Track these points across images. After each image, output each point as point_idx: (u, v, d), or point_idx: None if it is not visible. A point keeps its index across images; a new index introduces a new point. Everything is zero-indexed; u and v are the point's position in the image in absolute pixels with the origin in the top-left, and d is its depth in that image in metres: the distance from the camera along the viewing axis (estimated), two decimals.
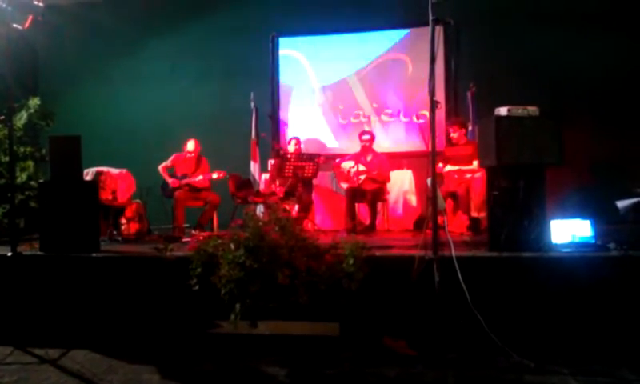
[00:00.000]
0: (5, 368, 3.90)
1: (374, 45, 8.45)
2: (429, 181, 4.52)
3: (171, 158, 7.04)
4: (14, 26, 5.10)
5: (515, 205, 4.27)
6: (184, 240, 5.85)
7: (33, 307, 4.58)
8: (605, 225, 4.91)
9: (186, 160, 7.01)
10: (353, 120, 8.48)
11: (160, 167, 6.98)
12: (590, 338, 3.84)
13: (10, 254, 4.68)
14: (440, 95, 7.45)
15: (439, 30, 4.15)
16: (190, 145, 6.99)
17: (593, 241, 4.46)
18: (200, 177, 6.81)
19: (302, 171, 6.69)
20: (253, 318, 3.98)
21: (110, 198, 6.57)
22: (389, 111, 8.38)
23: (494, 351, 3.71)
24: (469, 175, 6.32)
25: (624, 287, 3.92)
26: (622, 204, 4.84)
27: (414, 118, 8.17)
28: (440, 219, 4.22)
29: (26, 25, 5.16)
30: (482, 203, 5.72)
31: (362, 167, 6.93)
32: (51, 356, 4.09)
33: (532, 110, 4.38)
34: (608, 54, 7.37)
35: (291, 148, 7.39)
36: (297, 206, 6.58)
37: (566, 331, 3.89)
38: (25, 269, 4.69)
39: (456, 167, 6.44)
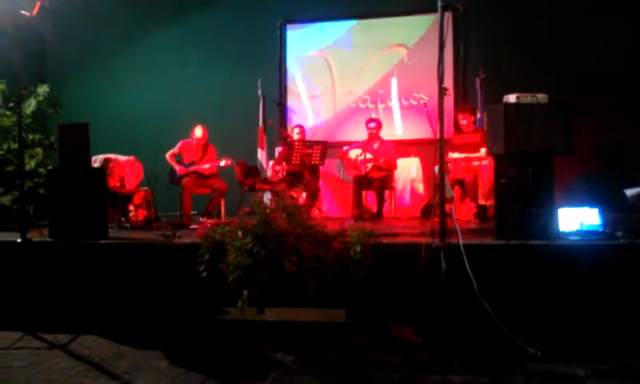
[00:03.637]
0: (15, 353, 3.94)
1: (382, 32, 8.40)
2: (436, 168, 4.51)
3: (178, 145, 7.05)
4: (22, 12, 5.09)
5: (523, 193, 4.25)
6: (192, 227, 5.87)
7: (42, 293, 4.62)
8: (613, 213, 4.89)
9: (193, 147, 7.02)
10: (361, 105, 8.47)
11: (167, 154, 7.00)
12: (597, 327, 3.83)
13: (19, 240, 4.71)
14: (448, 82, 7.42)
15: (448, 16, 4.11)
16: (198, 131, 6.99)
17: (601, 229, 4.44)
18: (207, 165, 6.82)
19: (309, 158, 6.69)
20: (260, 304, 4.00)
21: (118, 185, 6.60)
22: (396, 98, 8.35)
23: (500, 339, 3.71)
24: (476, 163, 6.29)
25: (632, 276, 3.90)
26: (630, 192, 4.82)
27: (422, 105, 8.13)
28: (447, 207, 4.21)
29: (34, 12, 5.15)
30: (490, 191, 5.70)
31: (369, 155, 6.92)
32: (60, 341, 4.12)
33: (541, 97, 4.35)
34: (619, 41, 7.30)
35: (295, 136, 7.38)
36: (304, 194, 6.59)
37: (572, 319, 3.88)
38: (34, 255, 4.73)
39: (463, 155, 6.41)
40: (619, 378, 3.28)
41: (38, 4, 5.17)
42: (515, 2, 7.71)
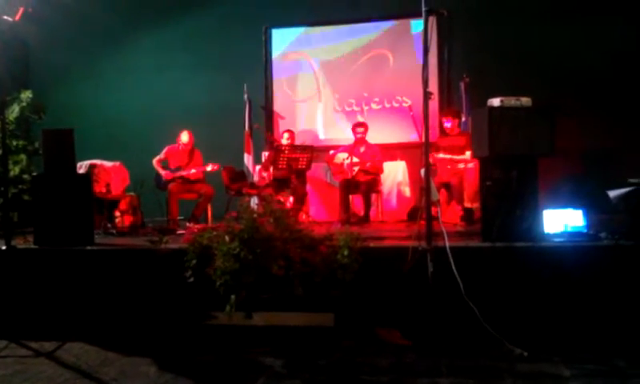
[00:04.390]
0: (0, 361, 3.90)
1: (367, 36, 8.46)
2: (422, 172, 4.54)
3: (164, 151, 7.03)
4: (5, 18, 5.05)
5: (508, 195, 4.29)
6: (178, 232, 5.84)
7: (27, 300, 4.57)
8: (597, 214, 4.94)
9: (180, 152, 7.00)
10: (346, 108, 8.50)
11: (154, 161, 6.97)
12: (583, 327, 3.87)
13: (4, 247, 4.67)
14: (433, 86, 7.46)
15: (432, 20, 4.15)
16: (184, 136, 6.97)
17: (585, 230, 4.49)
18: (194, 170, 6.80)
19: (296, 163, 6.70)
20: (248, 309, 4.00)
21: (104, 190, 6.55)
22: (382, 102, 8.39)
23: (487, 341, 3.73)
24: (462, 165, 6.33)
25: (616, 277, 3.95)
26: (614, 194, 4.86)
27: (407, 108, 8.17)
28: (433, 210, 4.23)
29: (17, 17, 5.11)
30: (475, 194, 5.74)
31: (355, 159, 6.95)
32: (46, 349, 4.08)
33: (525, 100, 4.39)
34: (601, 42, 7.37)
35: (284, 140, 7.39)
36: (291, 198, 6.59)
37: (558, 320, 3.92)
38: (19, 262, 4.69)
39: (449, 155, 6.43)
40: (605, 378, 3.31)
41: (21, 9, 5.13)
42: (499, 7, 7.77)
